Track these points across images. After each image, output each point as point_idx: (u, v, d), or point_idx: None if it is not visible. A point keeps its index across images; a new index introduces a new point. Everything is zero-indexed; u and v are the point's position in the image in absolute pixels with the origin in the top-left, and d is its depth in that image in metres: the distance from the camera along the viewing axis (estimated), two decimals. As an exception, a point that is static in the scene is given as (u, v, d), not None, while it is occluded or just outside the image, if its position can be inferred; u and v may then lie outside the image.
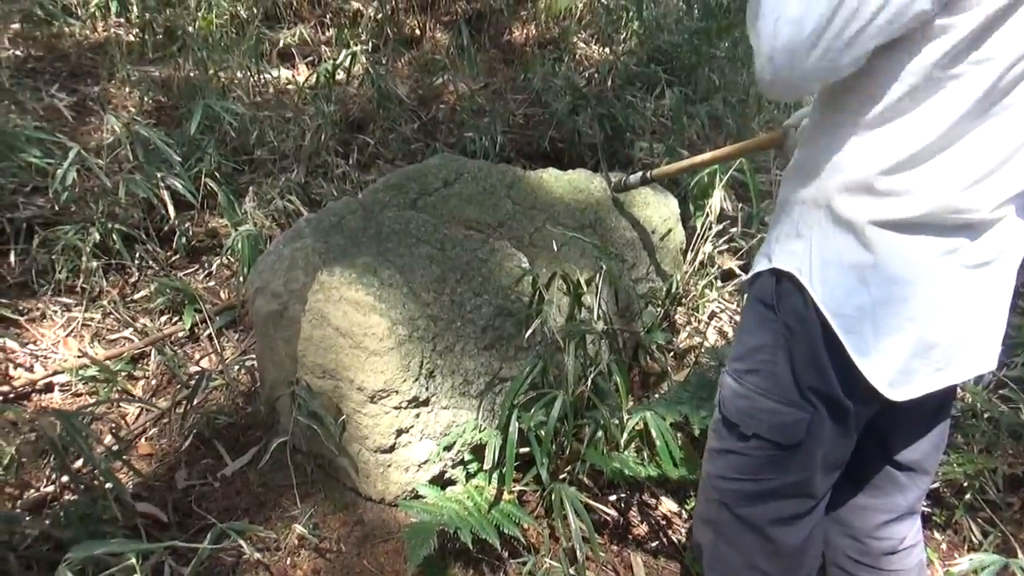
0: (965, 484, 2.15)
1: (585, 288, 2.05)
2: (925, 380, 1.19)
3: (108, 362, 2.27)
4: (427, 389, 1.86)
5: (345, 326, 1.80)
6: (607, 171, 2.64)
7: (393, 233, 2.06)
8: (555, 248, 2.27)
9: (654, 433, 1.79)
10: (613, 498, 2.08)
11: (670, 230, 2.67)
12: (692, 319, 2.78)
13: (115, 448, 1.89)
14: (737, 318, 2.83)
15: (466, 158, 2.53)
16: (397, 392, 1.81)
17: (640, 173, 2.36)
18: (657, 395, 2.05)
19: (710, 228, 2.71)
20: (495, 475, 1.91)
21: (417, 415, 1.87)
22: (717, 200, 2.65)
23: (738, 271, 2.98)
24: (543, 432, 1.85)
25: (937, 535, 2.23)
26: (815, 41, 0.99)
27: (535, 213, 2.42)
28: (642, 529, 2.08)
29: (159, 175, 2.53)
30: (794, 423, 1.26)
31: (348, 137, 3.53)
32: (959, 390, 2.24)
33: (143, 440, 2.11)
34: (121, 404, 2.19)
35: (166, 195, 2.56)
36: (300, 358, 1.89)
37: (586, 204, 2.52)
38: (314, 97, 3.49)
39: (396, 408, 1.83)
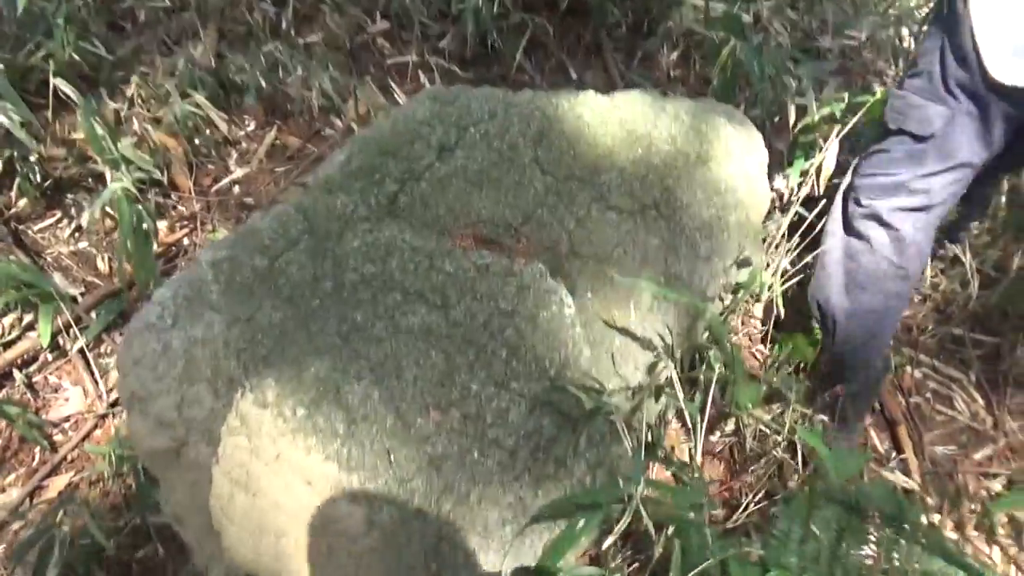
0: None
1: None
2: None
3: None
4: None
5: (292, 507, 1.05)
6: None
7: (364, 284, 1.23)
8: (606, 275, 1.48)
9: None
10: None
11: (756, 195, 1.85)
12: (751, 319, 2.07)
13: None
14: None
15: (466, 92, 1.60)
16: (381, 595, 1.11)
17: None
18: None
19: (808, 193, 1.90)
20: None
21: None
22: (832, 154, 1.81)
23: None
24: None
25: None
26: None
27: (575, 188, 1.58)
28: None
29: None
30: (935, 116, 1.40)
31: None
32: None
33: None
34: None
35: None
36: (216, 518, 1.15)
37: (647, 167, 1.67)
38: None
39: (378, 607, 1.15)
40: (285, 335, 1.14)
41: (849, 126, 1.71)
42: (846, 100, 1.76)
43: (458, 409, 1.19)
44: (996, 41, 1.25)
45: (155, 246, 1.84)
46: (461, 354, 1.23)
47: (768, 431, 1.69)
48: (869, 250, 1.57)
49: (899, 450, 1.87)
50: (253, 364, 1.11)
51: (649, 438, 1.61)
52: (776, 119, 2.39)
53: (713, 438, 1.81)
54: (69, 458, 1.56)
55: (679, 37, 2.60)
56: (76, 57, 1.92)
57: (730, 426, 1.79)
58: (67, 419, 1.61)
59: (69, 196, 1.91)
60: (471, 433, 1.20)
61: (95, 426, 1.60)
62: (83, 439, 1.58)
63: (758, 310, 2.12)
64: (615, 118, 1.72)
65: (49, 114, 1.90)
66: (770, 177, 2.17)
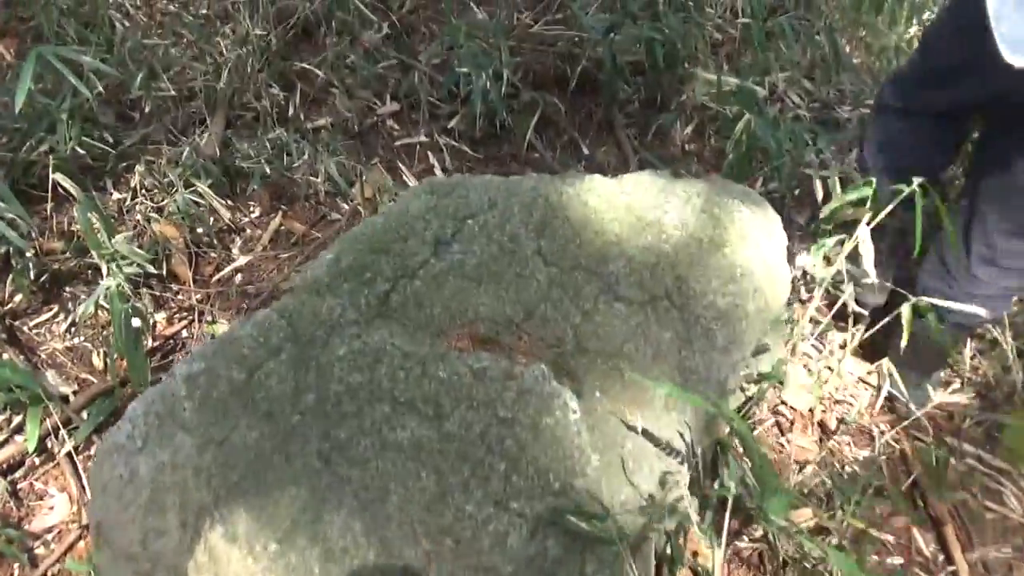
0: None
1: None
2: None
3: None
4: None
5: (259, 655, 0.94)
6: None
7: (349, 395, 1.14)
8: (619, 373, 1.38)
9: None
10: None
11: (775, 279, 1.75)
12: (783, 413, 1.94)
13: None
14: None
15: (465, 181, 1.54)
16: None
17: None
18: None
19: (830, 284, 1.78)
20: None
21: None
22: (867, 243, 1.61)
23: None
24: None
25: None
26: None
27: (581, 280, 1.50)
28: None
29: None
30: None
31: (285, 66, 2.42)
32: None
33: None
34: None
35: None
36: (185, 660, 1.05)
37: (658, 253, 1.58)
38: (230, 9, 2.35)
39: None
40: (261, 458, 1.05)
41: (881, 216, 1.53)
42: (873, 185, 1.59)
43: (450, 536, 1.09)
44: (1010, 24, 1.23)
45: (150, 340, 1.79)
46: (455, 472, 1.13)
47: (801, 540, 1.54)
48: (897, 117, 1.83)
49: (947, 553, 1.71)
50: (225, 491, 1.02)
51: (668, 550, 1.49)
52: (796, 192, 2.31)
53: (740, 543, 1.67)
54: (50, 574, 1.47)
55: (692, 111, 2.55)
56: (80, 150, 1.91)
57: (759, 531, 1.65)
58: (50, 530, 1.53)
59: (67, 289, 1.87)
60: (465, 558, 1.09)
61: (79, 537, 1.51)
62: (65, 552, 1.49)
63: (788, 397, 2.00)
64: (622, 203, 1.64)
65: (49, 207, 1.88)
66: (792, 254, 2.08)
